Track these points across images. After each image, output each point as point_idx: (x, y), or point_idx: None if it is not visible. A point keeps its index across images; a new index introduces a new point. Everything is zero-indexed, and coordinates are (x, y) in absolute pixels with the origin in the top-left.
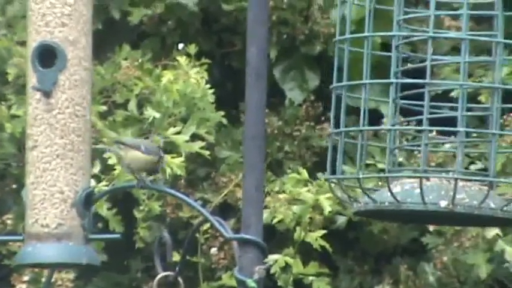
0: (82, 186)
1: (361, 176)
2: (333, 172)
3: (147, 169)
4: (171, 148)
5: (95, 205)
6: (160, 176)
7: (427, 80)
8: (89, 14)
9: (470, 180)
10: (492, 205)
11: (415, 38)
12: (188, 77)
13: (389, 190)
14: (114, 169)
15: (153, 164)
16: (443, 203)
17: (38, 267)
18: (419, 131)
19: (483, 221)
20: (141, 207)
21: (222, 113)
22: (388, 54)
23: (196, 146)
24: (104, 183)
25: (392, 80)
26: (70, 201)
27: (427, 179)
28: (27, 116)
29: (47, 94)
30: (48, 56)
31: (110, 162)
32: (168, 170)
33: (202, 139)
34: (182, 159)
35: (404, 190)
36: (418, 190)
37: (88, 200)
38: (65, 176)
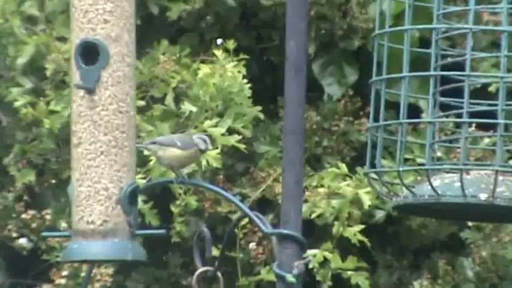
0: (126, 182)
1: (401, 169)
2: (372, 166)
3: (189, 163)
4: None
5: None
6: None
7: (468, 72)
8: (131, 9)
9: (510, 174)
10: None
11: (455, 32)
12: (225, 71)
13: (430, 183)
14: (150, 160)
15: (194, 157)
16: (483, 196)
17: (85, 263)
18: (459, 126)
19: None
20: (178, 202)
21: (259, 107)
22: (427, 51)
23: (233, 139)
24: (140, 176)
25: (432, 72)
26: (115, 197)
27: (467, 172)
28: (72, 113)
29: (90, 91)
30: (91, 53)
31: (145, 153)
32: (204, 162)
33: (239, 133)
34: (218, 151)
35: (444, 183)
36: (458, 183)
37: (133, 196)
38: (109, 173)
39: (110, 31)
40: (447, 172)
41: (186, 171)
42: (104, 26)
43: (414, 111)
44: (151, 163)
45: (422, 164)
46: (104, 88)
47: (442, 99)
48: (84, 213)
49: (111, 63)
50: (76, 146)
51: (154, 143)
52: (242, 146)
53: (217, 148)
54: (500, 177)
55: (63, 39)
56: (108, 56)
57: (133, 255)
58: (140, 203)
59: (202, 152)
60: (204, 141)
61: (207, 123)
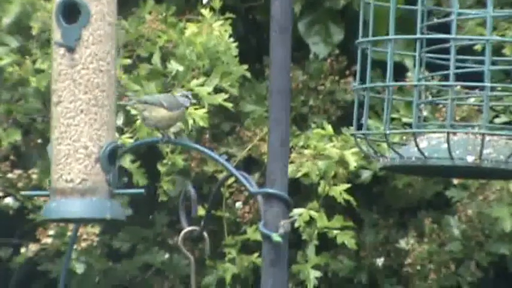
0: (106, 141)
1: (387, 131)
2: (359, 127)
3: (175, 124)
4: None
5: (119, 160)
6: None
7: (454, 35)
8: None
9: (496, 135)
10: None
11: None
12: (211, 30)
13: (417, 146)
14: (136, 119)
15: (180, 117)
16: (470, 158)
17: (63, 222)
18: (445, 85)
19: (509, 174)
20: (165, 161)
21: (246, 66)
22: (413, 7)
23: (220, 98)
24: (127, 135)
25: (418, 35)
26: (94, 156)
27: (454, 133)
28: (52, 72)
29: (71, 49)
30: (72, 11)
31: (132, 112)
32: (191, 121)
33: (226, 92)
34: (205, 110)
35: (431, 145)
36: (445, 145)
37: (113, 155)
38: (89, 132)
39: None
40: (434, 132)
41: (172, 130)
42: None
43: (400, 69)
44: (137, 122)
45: (409, 125)
46: (84, 47)
47: (428, 56)
48: (63, 171)
49: (92, 22)
50: (56, 105)
51: (140, 102)
52: (229, 105)
53: (203, 107)
54: (487, 138)
55: None
56: (89, 15)
57: (112, 214)
58: (128, 163)
59: (186, 108)
60: (187, 97)
61: (194, 82)
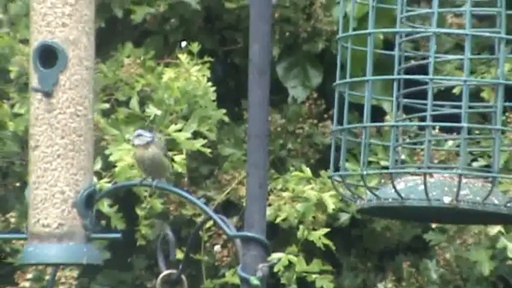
0: (83, 186)
1: (365, 172)
2: (336, 170)
3: (152, 165)
4: (172, 146)
5: (96, 204)
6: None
7: (431, 76)
8: (90, 13)
9: (473, 177)
10: (495, 201)
11: (419, 35)
12: (189, 74)
13: (394, 186)
14: (115, 166)
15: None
16: (447, 199)
17: (40, 265)
18: (422, 129)
19: (485, 218)
20: (143, 205)
21: (224, 110)
22: (391, 53)
23: (198, 143)
24: (105, 180)
25: (396, 76)
26: (71, 201)
27: (431, 175)
28: (30, 116)
29: (48, 94)
30: (49, 56)
31: (111, 159)
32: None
33: (204, 137)
34: (183, 156)
35: (408, 187)
36: (422, 186)
37: (89, 199)
38: (66, 176)
39: (68, 34)
40: (411, 174)
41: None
42: (62, 29)
43: (378, 112)
44: (116, 169)
45: (386, 167)
46: (61, 91)
47: (406, 101)
48: (40, 216)
49: (69, 66)
50: (33, 149)
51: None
52: (207, 150)
53: (182, 153)
54: (463, 180)
55: (26, 41)
56: (66, 59)
57: (88, 259)
58: (106, 207)
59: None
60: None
61: (172, 127)
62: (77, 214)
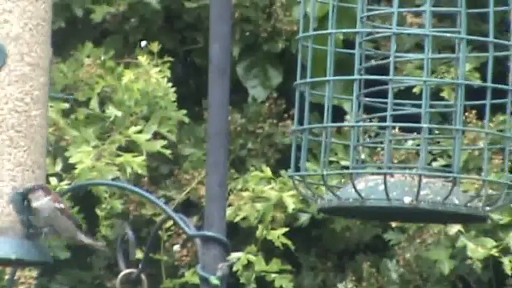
0: (22, 182)
1: (325, 172)
2: (297, 169)
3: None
4: (132, 147)
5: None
6: None
7: (391, 77)
8: (36, 10)
9: (434, 177)
10: (456, 201)
11: (379, 35)
12: (149, 76)
13: (354, 186)
14: (75, 168)
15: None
16: (407, 199)
17: None
18: (383, 128)
19: (446, 218)
20: (103, 205)
21: (184, 111)
22: (352, 51)
23: (158, 144)
24: (65, 181)
25: (356, 76)
26: (6, 196)
27: (391, 175)
28: None
29: None
30: None
31: (71, 161)
32: (129, 170)
33: (164, 138)
34: (143, 158)
35: (368, 187)
36: (382, 186)
37: (27, 195)
38: (1, 172)
39: (9, 31)
40: (372, 174)
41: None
42: (3, 25)
43: (338, 112)
44: (76, 171)
45: (347, 167)
46: (0, 88)
47: (367, 99)
48: None
49: (8, 62)
50: None
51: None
52: (167, 152)
53: (141, 155)
54: (424, 180)
55: None
56: (5, 55)
57: (19, 255)
58: None
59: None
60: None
61: (132, 129)
62: (13, 210)
